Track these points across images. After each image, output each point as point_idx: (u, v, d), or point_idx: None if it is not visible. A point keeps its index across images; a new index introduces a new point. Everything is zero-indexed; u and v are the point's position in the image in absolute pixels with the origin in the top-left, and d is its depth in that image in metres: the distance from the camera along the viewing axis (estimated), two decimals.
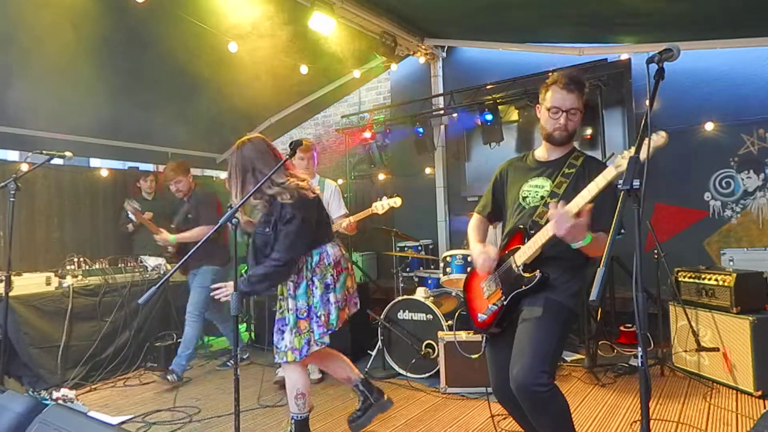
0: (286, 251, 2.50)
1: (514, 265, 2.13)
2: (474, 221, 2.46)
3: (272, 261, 2.51)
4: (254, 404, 3.61)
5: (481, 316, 2.24)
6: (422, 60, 6.23)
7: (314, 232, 2.62)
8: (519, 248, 2.12)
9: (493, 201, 2.41)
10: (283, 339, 2.64)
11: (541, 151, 2.30)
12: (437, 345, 3.80)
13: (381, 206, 3.99)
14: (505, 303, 2.13)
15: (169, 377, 4.01)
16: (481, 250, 2.25)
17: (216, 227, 2.31)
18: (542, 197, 2.16)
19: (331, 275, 2.65)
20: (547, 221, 1.98)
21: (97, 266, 4.50)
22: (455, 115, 6.07)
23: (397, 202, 4.02)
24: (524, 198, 2.23)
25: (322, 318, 2.61)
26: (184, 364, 4.16)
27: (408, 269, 4.98)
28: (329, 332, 2.62)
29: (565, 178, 2.15)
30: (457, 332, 3.79)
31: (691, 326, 3.67)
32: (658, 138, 1.78)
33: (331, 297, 2.64)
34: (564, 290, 2.07)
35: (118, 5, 3.95)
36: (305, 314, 2.61)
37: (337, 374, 2.96)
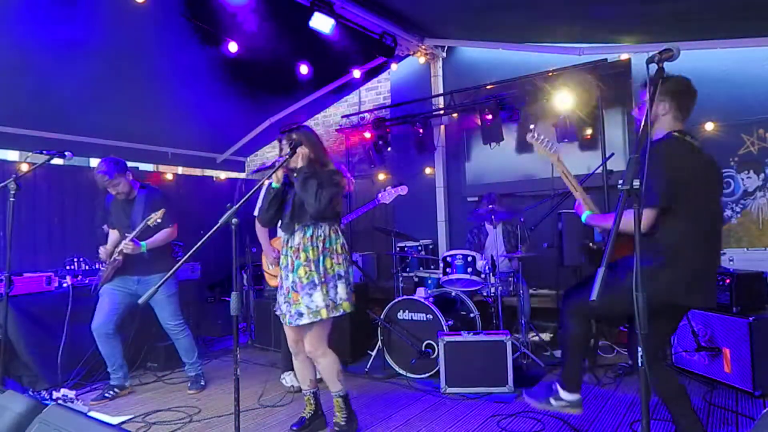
0: (326, 204, 2.83)
1: None
2: None
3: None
4: (254, 404, 3.61)
5: None
6: (422, 60, 6.23)
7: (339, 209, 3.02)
8: None
9: None
10: (313, 300, 2.83)
11: None
12: (437, 345, 3.80)
13: (387, 195, 4.00)
14: None
15: (203, 383, 4.03)
16: None
17: (217, 226, 2.30)
18: None
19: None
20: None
21: (97, 266, 4.49)
22: (455, 115, 6.07)
23: (404, 189, 4.02)
24: None
25: (351, 286, 2.98)
26: (201, 365, 4.14)
27: (408, 269, 4.97)
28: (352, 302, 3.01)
29: None
30: (458, 332, 3.79)
31: (691, 326, 3.67)
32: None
33: (351, 275, 3.04)
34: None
35: (118, 5, 3.95)
36: (323, 280, 2.86)
37: (308, 374, 3.13)
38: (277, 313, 3.01)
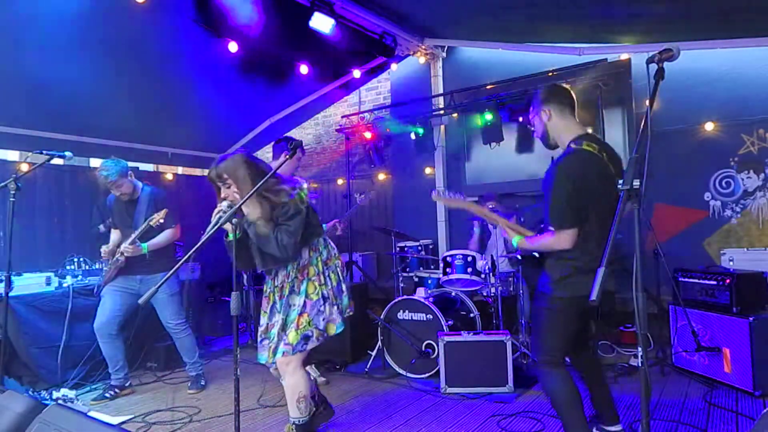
0: (293, 246, 2.52)
1: None
2: None
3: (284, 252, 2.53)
4: (254, 404, 3.61)
5: None
6: (422, 60, 6.23)
7: (311, 226, 2.67)
8: None
9: None
10: (280, 340, 2.65)
11: None
12: (437, 345, 3.80)
13: (361, 200, 4.39)
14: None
15: (203, 383, 4.03)
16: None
17: (217, 226, 2.30)
18: None
19: (340, 267, 2.79)
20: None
21: (97, 266, 4.49)
22: (455, 115, 6.07)
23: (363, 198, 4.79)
24: None
25: (337, 307, 2.70)
26: (202, 365, 4.14)
27: (408, 269, 4.97)
28: (342, 319, 2.74)
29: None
30: (457, 332, 3.79)
31: (691, 326, 3.67)
32: None
33: (343, 286, 2.77)
34: (546, 283, 2.43)
35: (118, 6, 3.94)
36: (303, 309, 2.62)
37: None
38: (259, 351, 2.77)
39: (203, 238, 2.24)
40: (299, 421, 2.69)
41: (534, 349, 2.47)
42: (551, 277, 2.40)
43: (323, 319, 2.66)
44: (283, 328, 2.63)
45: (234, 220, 2.39)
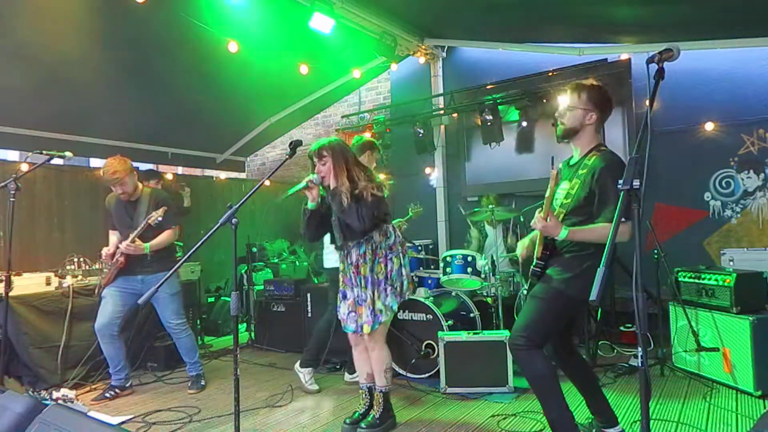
0: (369, 218, 2.84)
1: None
2: None
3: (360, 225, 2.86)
4: (254, 404, 3.61)
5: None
6: (422, 60, 6.23)
7: (383, 213, 2.99)
8: None
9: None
10: (362, 315, 2.95)
11: (573, 153, 2.57)
12: (437, 345, 3.80)
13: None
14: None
15: (203, 383, 4.02)
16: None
17: (217, 226, 2.31)
18: (561, 199, 2.48)
19: (402, 252, 3.07)
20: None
21: (97, 266, 4.49)
22: (455, 115, 6.07)
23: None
24: (555, 200, 2.51)
25: (398, 288, 3.00)
26: (201, 365, 4.13)
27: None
28: (401, 300, 3.03)
29: (579, 178, 2.41)
30: (457, 332, 3.79)
31: (691, 326, 3.67)
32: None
33: (404, 270, 3.05)
34: (558, 278, 2.41)
35: (118, 5, 3.95)
36: (375, 287, 2.96)
37: (365, 367, 3.13)
38: (341, 318, 3.10)
39: (207, 235, 2.25)
40: (385, 389, 3.06)
41: (520, 330, 2.39)
42: (570, 274, 2.38)
43: (388, 299, 2.98)
44: (373, 302, 2.94)
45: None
